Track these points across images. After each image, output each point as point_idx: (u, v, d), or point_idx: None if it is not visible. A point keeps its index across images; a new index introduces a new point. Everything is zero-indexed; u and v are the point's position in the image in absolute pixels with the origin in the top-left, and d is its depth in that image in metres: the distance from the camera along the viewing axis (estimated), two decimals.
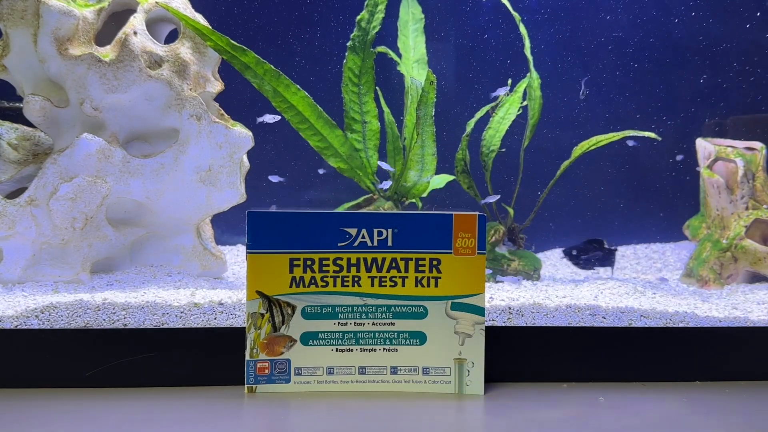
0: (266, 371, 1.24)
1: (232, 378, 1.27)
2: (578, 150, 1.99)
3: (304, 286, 1.24)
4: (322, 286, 1.25)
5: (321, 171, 2.05)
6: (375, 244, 1.25)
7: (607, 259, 2.05)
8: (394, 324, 1.26)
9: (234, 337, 1.28)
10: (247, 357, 1.24)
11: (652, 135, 1.96)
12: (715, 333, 1.38)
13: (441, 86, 1.88)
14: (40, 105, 1.59)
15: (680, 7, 2.65)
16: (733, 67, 2.65)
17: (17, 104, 1.97)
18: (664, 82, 2.70)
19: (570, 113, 2.66)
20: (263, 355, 1.24)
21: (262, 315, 1.23)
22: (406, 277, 1.25)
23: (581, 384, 1.34)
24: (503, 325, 1.38)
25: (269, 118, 1.75)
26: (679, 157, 2.16)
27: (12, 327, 1.29)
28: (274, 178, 1.87)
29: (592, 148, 1.98)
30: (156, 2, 1.66)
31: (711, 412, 1.22)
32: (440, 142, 1.99)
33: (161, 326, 1.32)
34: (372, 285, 1.25)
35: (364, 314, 1.26)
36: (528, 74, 2.03)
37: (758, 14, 2.58)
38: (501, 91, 2.00)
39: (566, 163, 2.00)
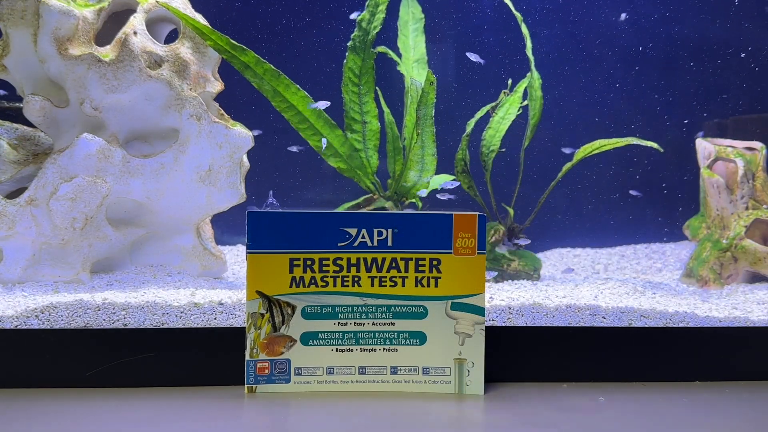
0: (266, 371, 1.24)
1: (232, 378, 1.27)
2: (581, 153, 1.99)
3: (304, 286, 1.24)
4: (322, 286, 1.25)
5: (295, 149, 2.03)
6: (375, 244, 1.25)
7: None
8: (394, 324, 1.26)
9: (234, 337, 1.28)
10: (247, 357, 1.24)
11: (655, 145, 1.96)
12: (715, 333, 1.38)
13: (441, 86, 1.88)
14: (40, 105, 1.59)
15: (681, 7, 2.65)
16: (734, 67, 2.65)
17: (17, 104, 1.97)
18: (665, 82, 2.70)
19: (570, 113, 2.66)
20: (263, 355, 1.24)
21: (262, 315, 1.23)
22: (406, 277, 1.25)
23: (581, 384, 1.34)
24: (503, 325, 1.38)
25: (322, 104, 1.76)
26: (697, 136, 2.13)
27: (12, 327, 1.29)
28: (293, 149, 1.90)
29: (595, 152, 1.98)
30: (156, 2, 1.66)
31: (711, 412, 1.22)
32: (440, 142, 1.99)
33: (161, 326, 1.32)
34: (372, 285, 1.25)
35: (364, 314, 1.26)
36: (529, 74, 2.03)
37: (755, 12, 2.58)
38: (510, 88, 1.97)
39: (568, 165, 2.00)
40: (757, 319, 1.43)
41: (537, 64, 2.02)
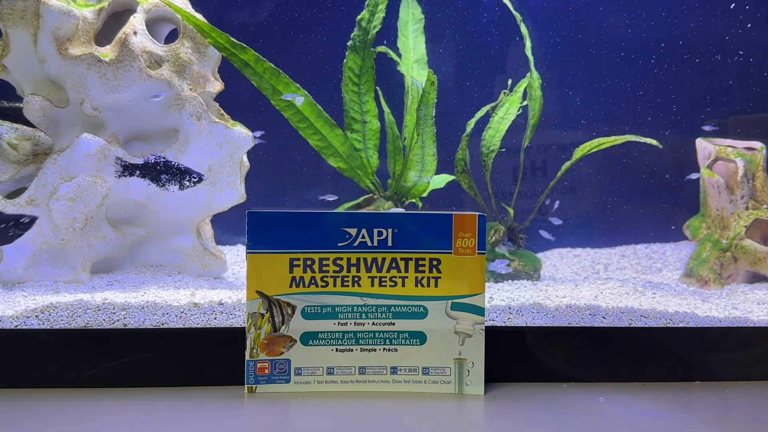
0: (266, 371, 1.24)
1: (232, 378, 1.27)
2: (579, 152, 1.99)
3: (304, 286, 1.24)
4: (322, 286, 1.25)
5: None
6: (375, 244, 1.25)
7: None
8: (394, 324, 1.26)
9: (234, 337, 1.28)
10: (247, 357, 1.24)
11: (654, 142, 1.96)
12: (716, 333, 1.38)
13: (441, 86, 1.88)
14: (40, 105, 1.59)
15: (681, 7, 2.65)
16: (734, 67, 2.65)
17: (17, 104, 1.97)
18: (665, 82, 2.70)
19: (570, 113, 2.66)
20: (263, 355, 1.24)
21: (262, 315, 1.23)
22: (406, 277, 1.25)
23: (581, 384, 1.34)
24: (503, 325, 1.38)
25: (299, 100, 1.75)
26: (693, 176, 2.15)
27: (12, 327, 1.29)
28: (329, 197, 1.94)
29: (594, 150, 1.98)
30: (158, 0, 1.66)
31: (711, 412, 1.22)
32: (440, 143, 1.99)
33: (161, 326, 1.32)
34: (372, 285, 1.25)
35: (364, 314, 1.25)
36: (528, 74, 2.03)
37: (755, 12, 2.58)
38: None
39: (567, 164, 2.00)
40: (757, 319, 1.43)
41: (536, 64, 2.02)
